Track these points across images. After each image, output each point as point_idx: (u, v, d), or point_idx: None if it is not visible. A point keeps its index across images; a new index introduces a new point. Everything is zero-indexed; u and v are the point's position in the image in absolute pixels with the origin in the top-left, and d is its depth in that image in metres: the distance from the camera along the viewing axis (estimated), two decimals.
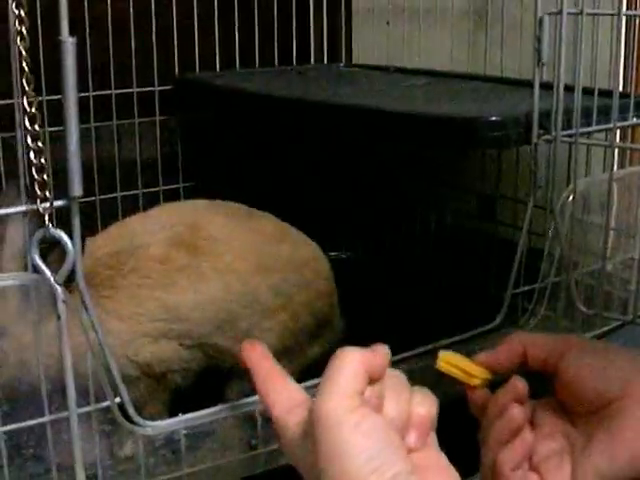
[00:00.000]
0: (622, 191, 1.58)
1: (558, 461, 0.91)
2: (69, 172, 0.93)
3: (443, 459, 0.84)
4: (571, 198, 1.43)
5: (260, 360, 0.93)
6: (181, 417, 1.13)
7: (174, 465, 1.12)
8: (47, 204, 0.94)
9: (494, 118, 1.34)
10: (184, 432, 1.11)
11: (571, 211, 1.44)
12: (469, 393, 0.99)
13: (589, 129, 1.43)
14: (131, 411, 1.08)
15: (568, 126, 1.42)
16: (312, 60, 2.27)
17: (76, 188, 0.94)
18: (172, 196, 2.09)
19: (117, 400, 1.06)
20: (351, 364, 0.80)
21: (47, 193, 0.94)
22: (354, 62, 2.30)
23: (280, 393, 0.88)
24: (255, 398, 1.16)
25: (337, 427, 0.77)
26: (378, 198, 2.14)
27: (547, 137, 1.39)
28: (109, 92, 1.95)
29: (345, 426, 0.77)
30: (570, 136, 1.41)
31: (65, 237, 0.94)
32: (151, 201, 2.05)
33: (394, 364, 1.27)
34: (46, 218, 0.94)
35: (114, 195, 2.01)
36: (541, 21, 1.35)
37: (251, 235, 1.50)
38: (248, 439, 1.17)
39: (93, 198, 1.98)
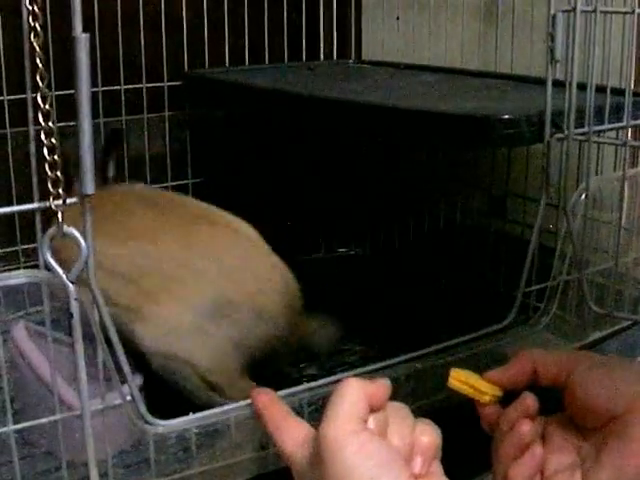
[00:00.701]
0: (633, 190, 1.57)
1: (569, 475, 0.93)
2: (81, 170, 0.93)
3: None
4: (583, 197, 1.42)
5: (270, 404, 0.99)
6: (192, 416, 1.13)
7: (185, 463, 1.11)
8: (60, 201, 0.93)
9: (507, 116, 1.33)
10: (195, 431, 1.10)
11: (583, 210, 1.43)
12: (479, 409, 1.02)
13: (602, 127, 1.42)
14: (142, 409, 1.08)
15: (580, 124, 1.41)
16: (321, 56, 2.26)
17: (89, 186, 0.94)
18: (181, 192, 2.08)
19: (128, 398, 1.06)
20: (353, 392, 0.86)
21: (60, 190, 0.93)
22: (364, 58, 2.29)
23: (289, 431, 0.93)
24: None
25: (341, 450, 0.82)
26: (388, 194, 2.13)
27: (560, 135, 1.38)
28: (118, 87, 1.95)
29: (348, 449, 0.81)
30: (583, 134, 1.40)
31: (78, 235, 0.94)
32: None
33: (405, 362, 1.28)
34: (59, 216, 0.93)
35: None
36: (554, 18, 1.35)
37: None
38: (259, 438, 1.16)
39: None
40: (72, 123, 0.92)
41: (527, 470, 0.94)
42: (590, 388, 0.94)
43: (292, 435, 0.92)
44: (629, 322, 1.53)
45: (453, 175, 1.99)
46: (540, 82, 1.44)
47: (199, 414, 1.13)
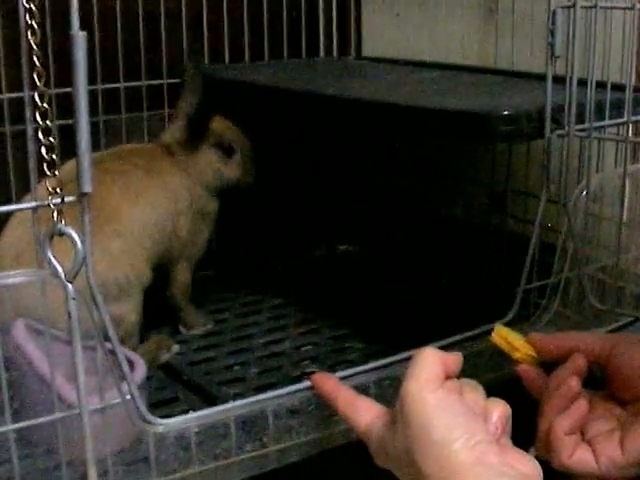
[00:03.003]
0: (635, 186, 1.57)
1: (608, 436, 0.99)
2: (79, 169, 0.93)
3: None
4: (584, 193, 1.42)
5: (337, 388, 1.08)
6: (192, 414, 1.12)
7: (185, 463, 1.11)
8: (58, 200, 0.93)
9: (507, 112, 1.32)
10: (195, 430, 1.10)
11: (584, 206, 1.43)
12: (518, 368, 1.09)
13: (603, 123, 1.42)
14: (142, 408, 1.08)
15: (581, 120, 1.41)
16: (322, 53, 2.26)
17: (86, 185, 0.93)
18: None
19: (127, 397, 1.06)
20: (429, 357, 0.96)
21: (58, 189, 0.93)
22: (364, 55, 2.29)
23: (363, 410, 1.02)
24: (266, 396, 1.16)
25: (422, 403, 0.91)
26: (388, 191, 2.13)
27: (560, 131, 1.37)
28: (118, 85, 1.94)
29: (428, 404, 0.91)
30: (583, 130, 1.39)
31: (74, 234, 0.93)
32: None
33: (407, 360, 1.27)
34: (55, 214, 0.93)
35: None
36: (554, 14, 1.34)
37: None
38: (259, 436, 1.16)
39: None
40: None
41: (572, 421, 0.99)
42: (630, 365, 1.01)
43: (365, 413, 1.01)
44: (631, 319, 1.53)
45: (454, 172, 1.98)
46: (540, 78, 1.44)
47: (199, 412, 1.13)
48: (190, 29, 2.01)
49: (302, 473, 1.20)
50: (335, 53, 2.27)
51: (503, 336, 1.10)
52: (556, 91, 1.37)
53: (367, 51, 2.29)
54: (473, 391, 0.97)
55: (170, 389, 1.58)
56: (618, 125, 1.46)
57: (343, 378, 1.20)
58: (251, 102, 1.89)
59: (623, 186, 1.43)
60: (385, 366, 1.27)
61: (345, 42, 2.28)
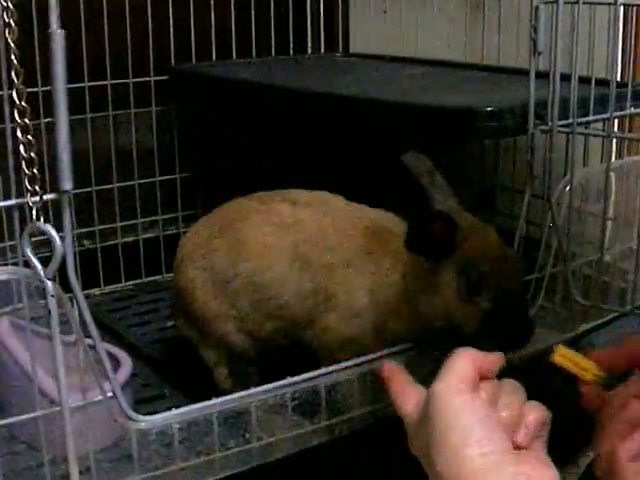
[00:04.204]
0: (620, 181, 1.57)
1: None
2: (59, 166, 0.93)
3: (547, 459, 0.94)
4: (568, 188, 1.42)
5: (394, 373, 1.09)
6: (175, 411, 1.12)
7: (168, 459, 1.11)
8: (37, 198, 0.93)
9: (490, 108, 1.33)
10: (177, 426, 1.10)
11: (568, 201, 1.43)
12: (582, 389, 1.06)
13: (586, 119, 1.42)
14: (125, 405, 1.08)
15: (565, 116, 1.41)
16: (309, 49, 2.26)
17: (66, 182, 0.94)
18: (169, 186, 2.08)
19: (109, 394, 1.06)
20: (462, 358, 0.97)
21: (37, 187, 0.93)
22: (351, 51, 2.29)
23: (408, 396, 1.03)
24: (249, 392, 1.16)
25: (446, 405, 0.92)
26: (375, 187, 2.12)
27: (543, 127, 1.38)
28: (105, 82, 1.94)
29: (451, 407, 0.92)
30: (567, 126, 1.40)
31: (53, 232, 0.94)
32: (147, 191, 2.05)
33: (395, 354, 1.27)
34: (34, 212, 0.93)
35: (110, 186, 2.00)
36: (537, 10, 1.35)
37: None
38: (242, 433, 1.16)
39: (89, 189, 1.97)
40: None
41: (637, 447, 0.96)
42: None
43: (410, 399, 1.02)
44: (616, 314, 1.53)
45: (441, 168, 1.98)
46: (526, 74, 1.43)
47: (181, 409, 1.12)
48: (177, 26, 2.01)
49: (284, 470, 1.20)
50: (322, 50, 2.27)
51: (565, 356, 1.05)
52: (541, 87, 1.38)
53: (354, 47, 2.30)
54: (511, 393, 0.98)
55: (157, 386, 1.58)
56: (602, 121, 1.46)
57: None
58: (238, 99, 1.89)
59: (607, 181, 1.42)
60: (371, 361, 1.26)
61: (332, 39, 2.28)
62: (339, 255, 1.34)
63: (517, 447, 0.93)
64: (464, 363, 0.96)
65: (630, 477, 0.95)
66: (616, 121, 1.73)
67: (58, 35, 0.92)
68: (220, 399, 1.15)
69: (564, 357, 1.05)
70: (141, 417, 1.09)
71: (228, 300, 1.41)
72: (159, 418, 1.10)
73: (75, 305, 1.00)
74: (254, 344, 1.44)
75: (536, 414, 0.96)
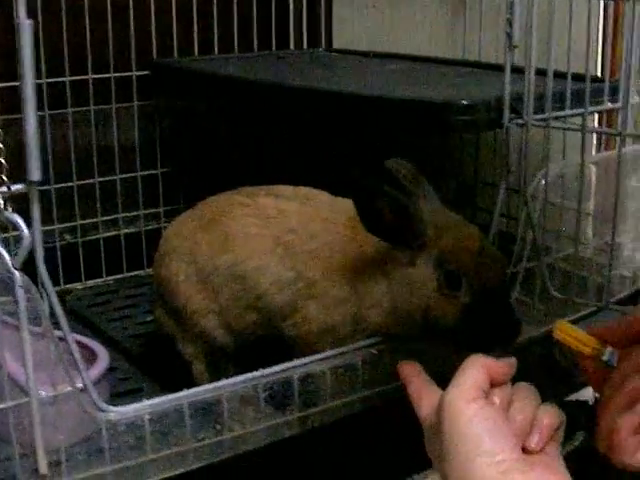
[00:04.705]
0: (600, 175, 1.57)
1: None
2: (27, 157, 0.93)
3: (558, 464, 0.95)
4: (543, 182, 1.42)
5: (413, 374, 1.08)
6: (145, 402, 1.12)
7: (138, 450, 1.11)
8: (4, 188, 0.93)
9: (464, 102, 1.33)
10: (148, 417, 1.10)
11: (543, 195, 1.43)
12: (583, 364, 1.07)
13: (561, 113, 1.42)
14: (94, 396, 1.08)
15: (543, 110, 1.41)
16: (292, 45, 2.26)
17: (34, 172, 0.93)
18: (150, 181, 2.08)
19: (79, 385, 1.06)
20: (473, 365, 0.97)
21: (3, 177, 0.93)
22: (334, 47, 2.29)
23: (427, 399, 1.02)
24: (220, 384, 1.16)
25: (457, 413, 0.93)
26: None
27: (519, 121, 1.38)
28: (86, 77, 1.93)
29: (463, 414, 0.92)
30: (542, 120, 1.40)
31: (21, 222, 0.93)
32: (129, 186, 2.05)
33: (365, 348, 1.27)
34: (1, 202, 0.93)
35: (92, 181, 2.00)
36: (512, 4, 1.35)
37: None
38: (214, 425, 1.16)
39: (71, 184, 1.97)
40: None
41: (636, 421, 0.96)
42: None
43: (428, 402, 1.01)
44: (593, 308, 1.53)
45: (422, 163, 1.98)
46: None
47: (152, 400, 1.13)
48: (159, 21, 2.01)
49: (255, 462, 1.20)
50: (305, 45, 2.27)
51: (567, 331, 1.06)
52: (518, 81, 1.38)
53: (337, 43, 2.30)
54: (524, 398, 0.98)
55: (135, 380, 1.59)
56: (577, 115, 1.46)
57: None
58: (220, 94, 1.89)
59: (582, 175, 1.43)
60: (342, 354, 1.26)
61: (315, 34, 2.28)
62: (321, 242, 1.34)
63: (530, 452, 0.94)
64: (475, 370, 0.97)
65: (630, 451, 0.96)
66: (596, 116, 1.74)
67: (26, 25, 0.91)
68: (191, 390, 1.15)
69: (564, 332, 1.07)
70: (111, 408, 1.09)
71: (210, 294, 1.41)
72: (129, 409, 1.10)
73: (45, 297, 1.00)
74: (234, 339, 1.44)
75: (550, 418, 0.97)
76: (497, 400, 0.96)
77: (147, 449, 1.11)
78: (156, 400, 1.13)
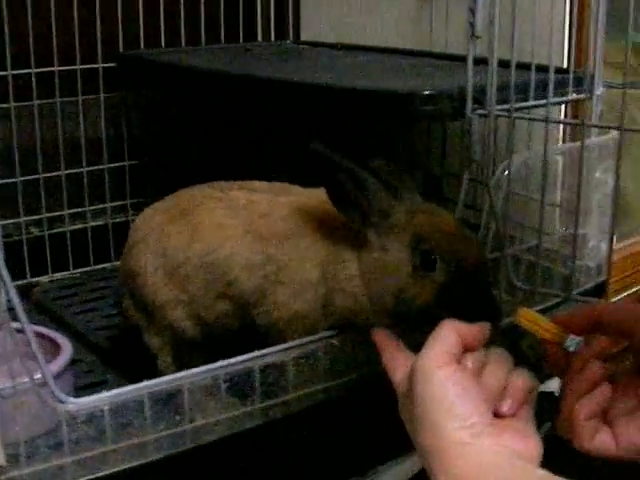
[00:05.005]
0: (566, 166, 1.58)
1: (630, 418, 0.97)
2: None
3: (529, 429, 0.96)
4: (506, 173, 1.43)
5: (387, 340, 1.09)
6: (104, 393, 1.11)
7: (98, 441, 1.10)
8: None
9: (426, 92, 1.33)
10: (107, 408, 1.09)
11: (506, 186, 1.43)
12: (548, 350, 1.07)
13: (524, 104, 1.42)
14: (53, 387, 1.07)
15: (507, 101, 1.41)
16: (259, 37, 2.26)
17: None
18: (117, 174, 2.07)
19: (37, 376, 1.05)
20: (445, 331, 0.97)
21: None
22: (302, 39, 2.28)
23: (400, 364, 1.03)
24: (180, 375, 1.16)
25: (428, 380, 0.93)
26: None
27: (481, 111, 1.38)
28: (52, 69, 1.92)
29: (434, 379, 0.93)
30: (505, 110, 1.40)
31: None
32: (96, 179, 2.04)
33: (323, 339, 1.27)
34: None
35: (58, 173, 1.99)
36: None
37: None
38: (174, 415, 1.15)
39: (37, 176, 1.96)
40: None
41: (594, 405, 0.97)
42: None
43: (402, 368, 1.02)
44: (559, 299, 1.53)
45: (388, 155, 1.98)
46: (474, 61, 1.43)
47: (112, 391, 1.12)
48: (125, 12, 2.00)
49: (216, 453, 1.20)
50: (273, 37, 2.27)
51: (529, 318, 1.08)
52: (482, 72, 1.38)
53: (305, 35, 2.29)
54: (497, 362, 0.99)
55: (100, 373, 1.58)
56: (540, 106, 1.46)
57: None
58: (188, 86, 1.89)
59: (545, 166, 1.43)
60: (301, 345, 1.26)
61: (283, 26, 2.27)
62: (291, 224, 1.33)
63: (502, 416, 0.95)
64: (447, 335, 0.97)
65: (587, 435, 0.97)
66: (563, 107, 1.75)
67: None
68: (151, 381, 1.14)
69: (527, 319, 1.08)
70: (70, 400, 1.08)
71: (179, 285, 1.40)
72: (88, 401, 1.10)
73: (2, 287, 1.00)
74: (202, 330, 1.43)
75: (522, 382, 0.97)
76: (469, 364, 0.97)
77: (107, 440, 1.10)
78: (116, 391, 1.12)
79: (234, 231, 1.36)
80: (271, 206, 1.37)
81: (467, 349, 0.98)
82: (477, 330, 0.99)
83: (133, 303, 1.48)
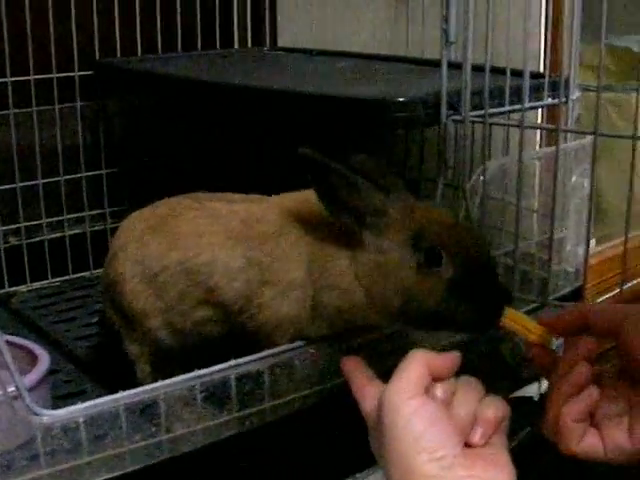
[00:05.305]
0: (544, 171, 1.58)
1: (617, 421, 0.97)
2: None
3: (502, 456, 0.94)
4: (482, 178, 1.43)
5: (356, 368, 1.07)
6: (80, 405, 1.11)
7: (73, 453, 1.10)
8: None
9: (401, 99, 1.34)
10: (82, 420, 1.09)
11: (482, 191, 1.43)
12: (533, 351, 1.08)
13: (499, 109, 1.43)
14: (27, 400, 1.06)
15: (482, 107, 1.41)
16: (236, 44, 2.26)
17: None
18: (95, 182, 2.07)
19: (11, 389, 1.05)
20: (413, 361, 0.96)
21: None
22: (279, 45, 2.29)
23: (370, 394, 1.01)
24: (156, 385, 1.16)
25: (396, 411, 0.92)
26: (301, 180, 2.13)
27: (456, 117, 1.38)
28: (28, 78, 1.92)
29: (403, 410, 0.92)
30: (480, 116, 1.40)
31: None
32: (73, 188, 2.04)
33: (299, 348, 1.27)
34: None
35: (35, 182, 1.98)
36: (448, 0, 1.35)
37: None
38: (150, 426, 1.15)
39: (14, 185, 1.95)
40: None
41: (582, 408, 0.97)
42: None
43: (371, 397, 1.00)
44: (536, 304, 1.53)
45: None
46: (449, 66, 1.43)
47: (87, 403, 1.11)
48: (101, 20, 1.99)
49: (193, 464, 1.19)
50: (250, 44, 2.26)
51: (515, 320, 1.09)
52: (456, 77, 1.38)
53: (282, 41, 2.29)
54: (467, 392, 0.97)
55: (78, 383, 1.57)
56: (514, 112, 1.46)
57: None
58: (164, 93, 1.89)
59: (520, 170, 1.43)
60: (283, 352, 1.26)
61: (260, 33, 2.27)
62: (272, 225, 1.30)
63: (474, 445, 0.93)
64: (415, 366, 0.95)
65: (574, 438, 0.96)
66: (540, 111, 1.75)
67: None
68: (127, 392, 1.13)
69: (513, 320, 1.09)
70: (44, 412, 1.07)
71: (155, 293, 1.40)
72: (63, 412, 1.09)
73: None
74: (179, 338, 1.43)
75: (493, 411, 0.96)
76: (439, 394, 0.95)
77: (83, 452, 1.10)
78: (91, 402, 1.11)
79: (215, 238, 1.35)
80: (251, 212, 1.36)
81: (436, 379, 0.97)
82: (446, 359, 0.98)
83: (114, 310, 1.48)
